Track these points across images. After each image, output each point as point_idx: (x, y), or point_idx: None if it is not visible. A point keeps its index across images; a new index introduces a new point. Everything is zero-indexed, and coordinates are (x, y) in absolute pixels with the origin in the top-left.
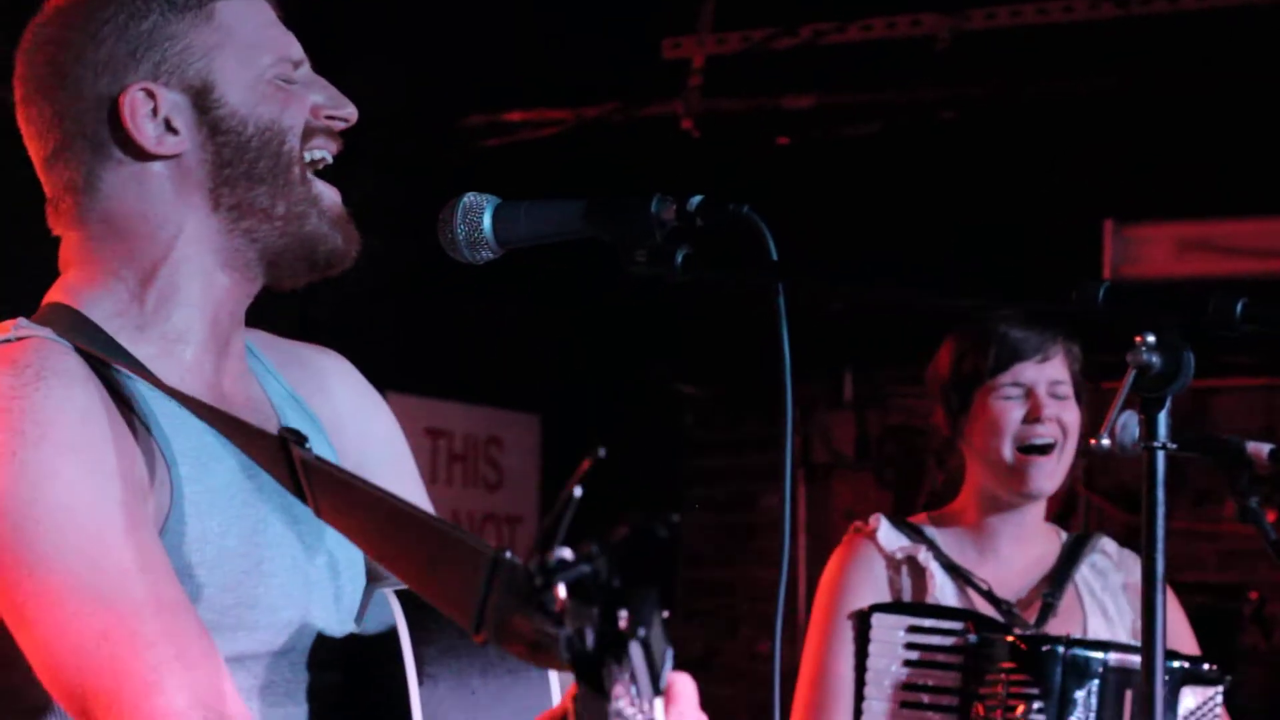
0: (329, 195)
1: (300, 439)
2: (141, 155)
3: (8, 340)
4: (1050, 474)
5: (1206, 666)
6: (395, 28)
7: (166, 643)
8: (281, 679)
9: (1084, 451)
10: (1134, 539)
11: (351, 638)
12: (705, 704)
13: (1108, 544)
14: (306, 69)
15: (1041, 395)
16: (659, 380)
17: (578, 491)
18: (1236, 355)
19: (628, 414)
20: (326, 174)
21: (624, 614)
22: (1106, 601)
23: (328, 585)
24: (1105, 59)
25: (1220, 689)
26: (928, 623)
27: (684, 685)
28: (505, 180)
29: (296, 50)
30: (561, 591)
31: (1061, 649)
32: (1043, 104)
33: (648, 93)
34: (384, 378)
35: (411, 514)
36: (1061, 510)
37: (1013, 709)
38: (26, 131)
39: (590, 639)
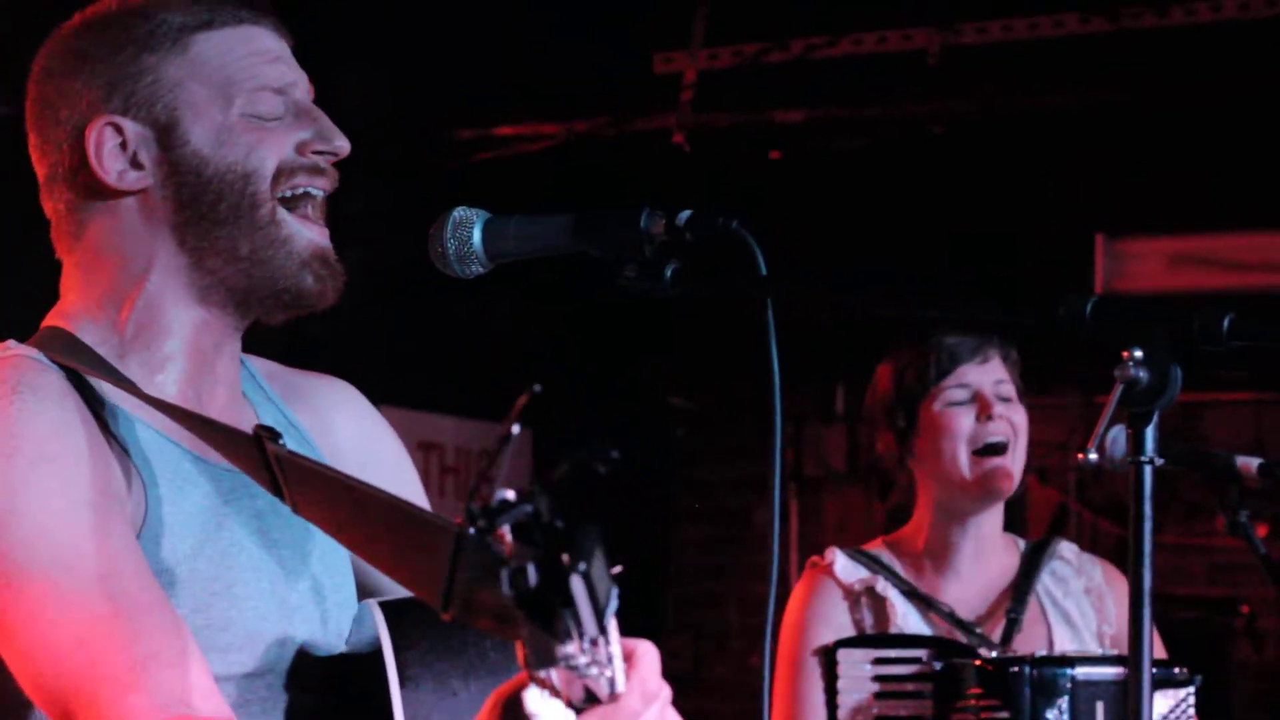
0: (303, 236)
1: (274, 435)
2: (110, 191)
3: None
4: (1007, 474)
5: (1176, 670)
6: (385, 40)
7: (142, 643)
8: (257, 698)
9: (1074, 466)
10: (1126, 552)
11: (337, 657)
12: (695, 717)
13: (1066, 549)
14: (297, 96)
15: (989, 395)
16: (651, 393)
17: (515, 429)
18: (1225, 370)
19: (619, 427)
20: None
21: (565, 552)
22: (1070, 609)
23: (312, 609)
24: (1096, 73)
25: (1191, 690)
26: (892, 653)
27: (646, 651)
28: (496, 194)
29: (284, 76)
30: (506, 533)
31: (1028, 669)
32: (1033, 118)
33: (639, 107)
34: (375, 391)
35: (380, 499)
36: (1052, 525)
37: None
38: (32, 158)
39: (533, 577)
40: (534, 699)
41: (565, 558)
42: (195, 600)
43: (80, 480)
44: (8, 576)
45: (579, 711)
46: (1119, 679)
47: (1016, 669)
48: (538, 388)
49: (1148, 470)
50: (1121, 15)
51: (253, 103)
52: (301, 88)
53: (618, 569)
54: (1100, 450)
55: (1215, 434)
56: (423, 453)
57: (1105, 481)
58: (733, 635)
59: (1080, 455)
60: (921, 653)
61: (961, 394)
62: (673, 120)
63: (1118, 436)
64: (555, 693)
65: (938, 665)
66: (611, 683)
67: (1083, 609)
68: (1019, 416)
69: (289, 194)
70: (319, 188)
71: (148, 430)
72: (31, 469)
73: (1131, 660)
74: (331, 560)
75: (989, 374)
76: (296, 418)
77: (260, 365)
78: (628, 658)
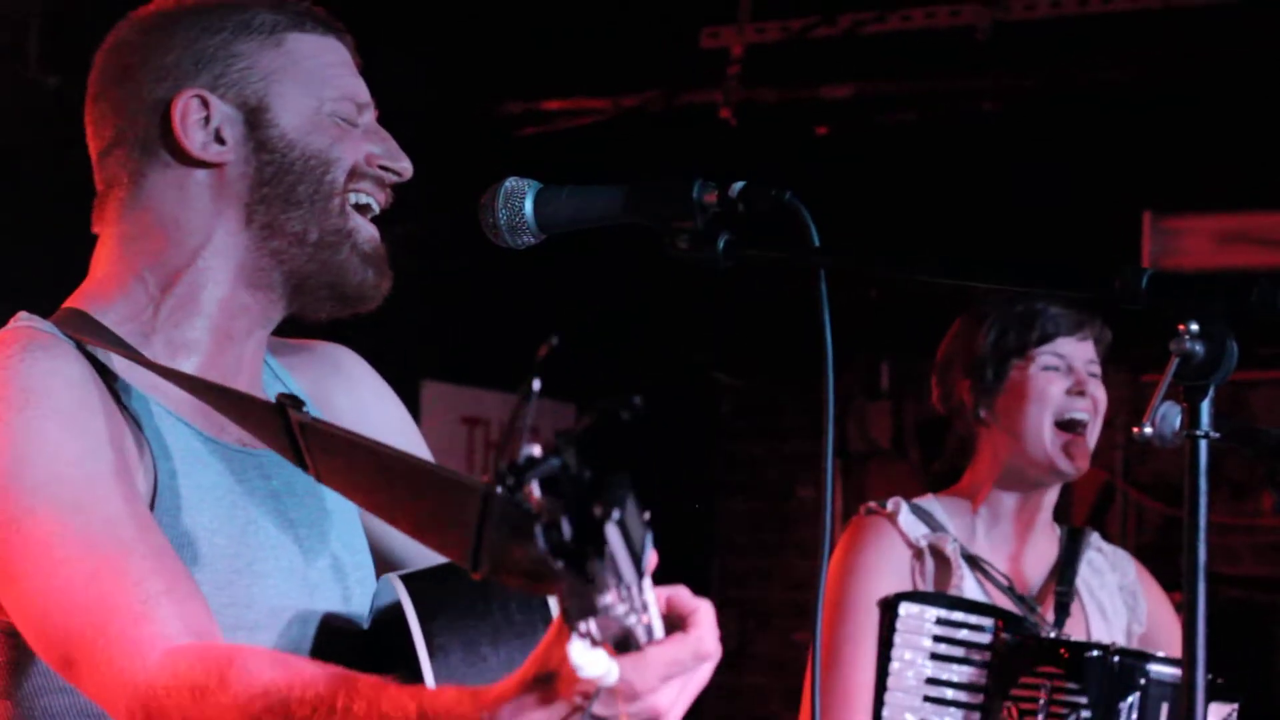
0: (366, 230)
1: (297, 403)
2: (186, 161)
3: (4, 329)
4: (1083, 453)
5: (1222, 680)
6: (433, 15)
7: (155, 579)
8: None
9: (1121, 445)
10: (1172, 531)
11: (360, 634)
12: (740, 692)
13: (1100, 541)
14: (370, 116)
15: (1082, 370)
16: (696, 369)
17: (536, 384)
18: (1274, 348)
19: (664, 402)
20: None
21: (597, 502)
22: (1104, 601)
23: (333, 587)
24: (1144, 50)
25: (1237, 706)
26: (957, 616)
27: (704, 613)
28: (543, 169)
29: (363, 94)
30: (535, 489)
31: (1110, 658)
32: (1082, 95)
33: (686, 82)
34: (421, 366)
35: (404, 460)
36: (1098, 503)
37: (1059, 716)
38: (89, 128)
39: (567, 529)
40: (579, 651)
41: (598, 508)
42: (217, 577)
43: (91, 432)
44: (17, 521)
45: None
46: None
47: (1097, 654)
48: (555, 340)
49: (1203, 445)
50: None
51: (338, 106)
52: (372, 111)
53: (648, 515)
54: (1153, 425)
55: (1264, 413)
56: (468, 428)
57: (1152, 460)
58: (777, 611)
59: (1135, 430)
60: (988, 621)
61: (1057, 362)
62: (719, 95)
63: (1168, 412)
64: (596, 643)
65: (1006, 636)
66: (649, 629)
67: (1115, 604)
68: (1101, 394)
69: (352, 200)
70: (378, 202)
71: (159, 408)
72: (43, 420)
73: (1185, 635)
74: (350, 539)
75: (1084, 351)
76: (306, 391)
77: None
78: (687, 616)
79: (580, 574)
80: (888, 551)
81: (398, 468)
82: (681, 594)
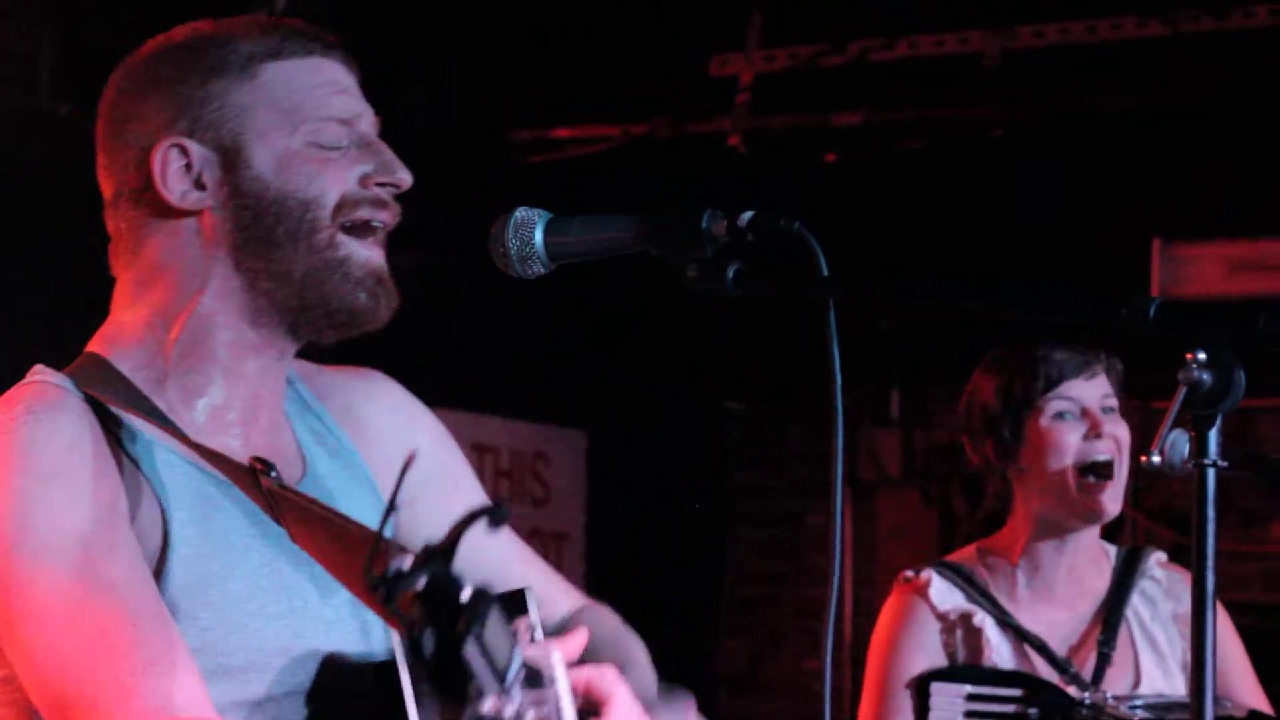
0: (360, 254)
1: (268, 467)
2: (171, 211)
3: (18, 385)
4: (1114, 496)
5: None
6: (444, 44)
7: (142, 651)
8: (299, 717)
9: (1134, 471)
10: (1181, 558)
11: (374, 669)
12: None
13: (1155, 565)
14: (366, 127)
15: (1096, 412)
16: (705, 396)
17: (401, 498)
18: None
19: (673, 430)
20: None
21: (459, 618)
22: (1156, 633)
23: (351, 623)
24: (1153, 77)
25: None
26: (986, 690)
27: (617, 702)
28: (552, 197)
29: (351, 108)
30: (413, 596)
31: None
32: (1090, 122)
33: (696, 110)
34: (430, 393)
35: (355, 531)
36: (1109, 530)
37: None
38: (99, 175)
39: (429, 645)
40: None
41: (460, 624)
42: (230, 621)
43: (88, 496)
44: (20, 586)
45: None
46: None
47: None
48: (416, 454)
49: (1211, 473)
50: (1180, 18)
51: (318, 132)
52: (367, 120)
53: (522, 624)
54: (1162, 454)
55: (1272, 441)
56: (477, 455)
57: (1160, 487)
58: (788, 638)
59: (1144, 458)
60: (1016, 691)
61: (1069, 406)
62: (729, 123)
63: (1177, 440)
64: None
65: (1033, 712)
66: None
67: (1170, 636)
68: (1122, 431)
69: (350, 223)
70: (381, 220)
71: (174, 456)
72: (43, 485)
73: (1194, 667)
74: None
75: (1096, 389)
76: (333, 420)
77: (295, 367)
78: (601, 704)
79: (445, 687)
80: (919, 628)
81: (348, 537)
82: (602, 680)
